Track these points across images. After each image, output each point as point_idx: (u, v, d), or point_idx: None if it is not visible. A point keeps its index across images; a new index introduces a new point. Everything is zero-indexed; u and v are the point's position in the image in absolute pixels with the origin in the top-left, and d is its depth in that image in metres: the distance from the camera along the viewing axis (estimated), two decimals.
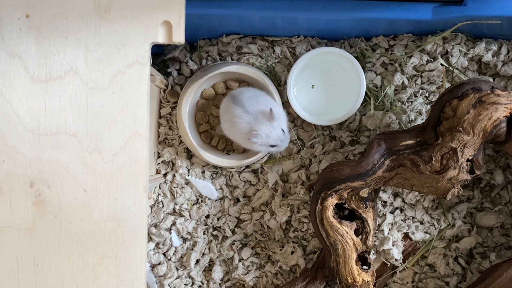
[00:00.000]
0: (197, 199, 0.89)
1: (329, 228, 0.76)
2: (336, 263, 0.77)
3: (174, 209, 0.89)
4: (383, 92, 0.86)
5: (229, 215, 0.89)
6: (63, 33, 0.66)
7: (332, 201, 0.76)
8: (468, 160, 0.72)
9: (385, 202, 0.86)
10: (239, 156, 0.88)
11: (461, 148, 0.70)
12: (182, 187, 0.89)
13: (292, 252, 0.88)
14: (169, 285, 0.88)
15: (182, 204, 0.89)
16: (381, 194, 0.85)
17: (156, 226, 0.89)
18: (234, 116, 0.77)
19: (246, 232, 0.89)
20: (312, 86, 0.87)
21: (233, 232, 0.89)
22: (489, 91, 0.70)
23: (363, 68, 0.84)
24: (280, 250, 0.88)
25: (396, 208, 0.87)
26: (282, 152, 0.86)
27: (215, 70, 0.84)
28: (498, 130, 0.70)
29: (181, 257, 0.89)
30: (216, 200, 0.89)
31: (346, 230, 0.77)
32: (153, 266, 0.89)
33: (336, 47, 0.85)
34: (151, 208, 0.89)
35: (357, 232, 0.78)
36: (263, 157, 0.88)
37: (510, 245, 0.86)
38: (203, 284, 0.89)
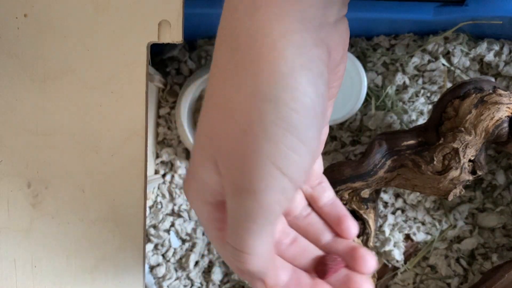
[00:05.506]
0: None
1: None
2: None
3: (173, 210, 0.89)
4: (384, 92, 0.85)
5: None
6: (61, 32, 0.66)
7: None
8: (470, 160, 0.71)
9: (386, 203, 0.86)
10: None
11: (463, 149, 0.70)
12: (181, 187, 0.88)
13: None
14: (168, 286, 0.88)
15: (181, 205, 0.88)
16: (382, 194, 0.85)
17: (154, 227, 0.88)
18: None
19: None
20: None
21: None
22: (491, 91, 0.70)
23: (364, 67, 0.84)
24: None
25: (397, 209, 0.86)
26: None
27: None
28: (500, 130, 0.69)
29: (180, 258, 0.89)
30: None
31: None
32: (152, 268, 0.88)
33: None
34: (150, 209, 0.88)
35: (358, 233, 0.78)
36: None
37: None
38: (202, 285, 0.89)
